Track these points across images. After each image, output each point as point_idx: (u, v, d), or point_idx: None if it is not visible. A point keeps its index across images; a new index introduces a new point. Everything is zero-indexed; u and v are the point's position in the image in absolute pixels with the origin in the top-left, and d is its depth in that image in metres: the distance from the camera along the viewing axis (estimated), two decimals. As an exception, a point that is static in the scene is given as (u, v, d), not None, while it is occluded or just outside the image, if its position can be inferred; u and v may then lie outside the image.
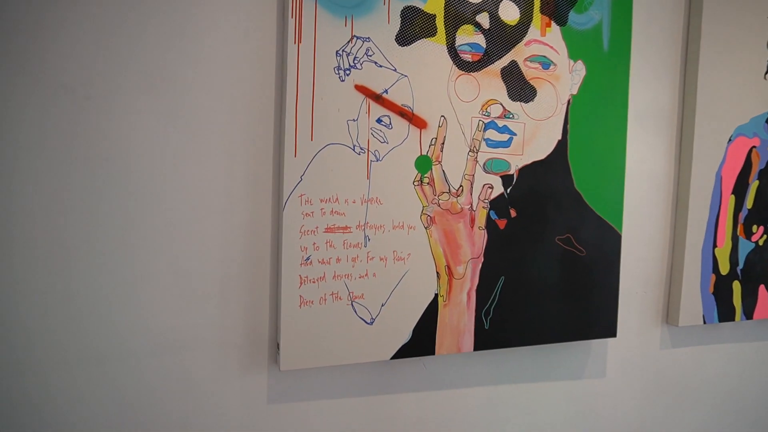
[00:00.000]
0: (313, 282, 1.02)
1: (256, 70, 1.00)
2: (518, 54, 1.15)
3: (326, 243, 1.03)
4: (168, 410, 0.98)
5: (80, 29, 0.88)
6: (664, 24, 1.35)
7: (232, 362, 1.02)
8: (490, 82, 1.13)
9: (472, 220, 1.14)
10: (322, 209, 1.02)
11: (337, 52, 1.01)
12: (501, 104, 1.14)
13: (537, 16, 1.16)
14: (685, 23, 1.37)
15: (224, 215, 0.99)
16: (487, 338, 1.17)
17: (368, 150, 1.04)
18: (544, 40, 1.17)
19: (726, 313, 1.44)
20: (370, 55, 1.03)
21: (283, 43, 1.00)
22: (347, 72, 1.02)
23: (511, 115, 1.15)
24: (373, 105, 1.04)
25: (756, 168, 1.44)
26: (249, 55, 0.99)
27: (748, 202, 1.44)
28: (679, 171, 1.40)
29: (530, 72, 1.16)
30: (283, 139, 1.00)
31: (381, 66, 1.04)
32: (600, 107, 1.24)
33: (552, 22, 1.17)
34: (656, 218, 1.39)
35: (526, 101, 1.16)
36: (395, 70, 1.05)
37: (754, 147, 1.43)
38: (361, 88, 1.03)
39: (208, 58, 0.97)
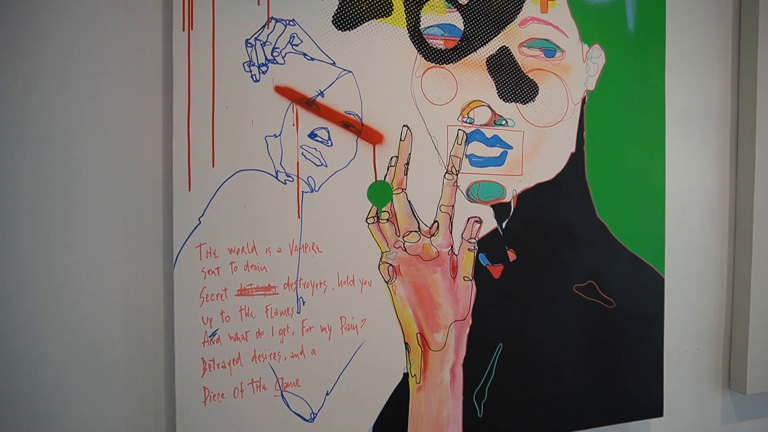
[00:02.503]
0: (223, 367, 0.72)
1: (131, 72, 0.71)
2: (510, 37, 0.84)
3: (240, 310, 0.72)
4: None
5: None
6: (709, -5, 1.03)
7: (111, 484, 0.72)
8: (473, 77, 0.82)
9: (454, 268, 0.82)
10: (232, 263, 0.72)
11: (247, 41, 0.71)
12: (489, 107, 0.83)
13: (535, -13, 0.85)
14: (736, -7, 1.05)
15: (91, 280, 0.70)
16: (481, 430, 0.84)
17: (298, 177, 0.74)
18: (546, 19, 0.86)
19: (808, 374, 1.09)
20: (297, 45, 0.73)
21: (169, 31, 0.72)
22: (263, 68, 0.72)
23: (503, 122, 0.84)
24: (304, 114, 0.74)
25: (840, 181, 1.09)
26: (121, 49, 0.70)
27: (832, 226, 1.09)
28: (736, 189, 1.06)
29: (528, 62, 0.85)
30: (171, 168, 0.70)
31: (313, 59, 0.74)
32: (627, 107, 0.92)
33: (556, -7, 0.86)
34: (709, 253, 1.05)
35: (525, 101, 0.85)
36: (334, 64, 0.75)
37: (836, 153, 1.08)
38: (284, 91, 0.73)
39: (60, 56, 0.68)
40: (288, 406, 0.75)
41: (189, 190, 0.70)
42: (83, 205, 0.69)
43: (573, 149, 0.88)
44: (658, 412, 0.96)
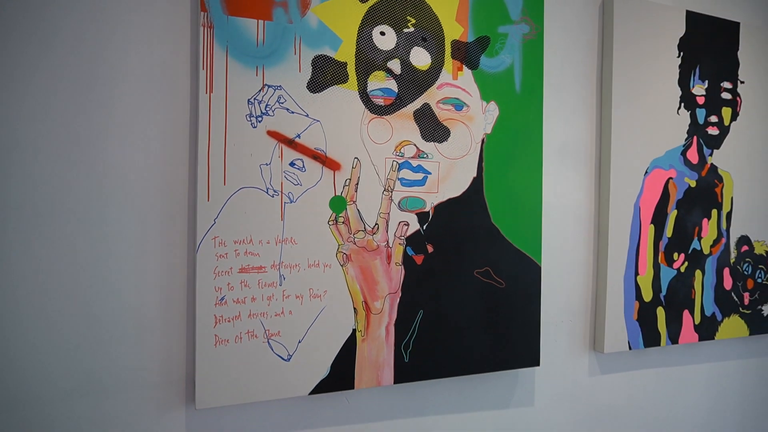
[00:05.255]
0: (228, 321, 1.05)
1: (170, 120, 1.04)
2: (430, 97, 1.20)
3: (241, 283, 1.06)
4: (82, 452, 1.00)
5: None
6: (578, 66, 1.42)
7: (149, 403, 1.04)
8: (403, 125, 1.18)
9: (389, 257, 1.18)
10: (236, 250, 1.05)
11: (248, 100, 1.05)
12: (415, 145, 1.19)
13: (449, 61, 1.22)
14: (598, 64, 1.45)
15: (139, 259, 1.03)
16: (407, 371, 1.20)
17: (281, 192, 1.08)
18: (456, 83, 1.23)
19: (651, 339, 1.49)
20: (282, 102, 1.08)
21: (196, 93, 1.05)
22: (259, 119, 1.06)
23: (425, 155, 1.20)
24: (286, 149, 1.08)
25: (674, 198, 1.50)
26: (163, 104, 1.04)
27: (668, 231, 1.50)
28: (599, 204, 1.46)
29: (443, 113, 1.22)
30: (196, 184, 1.03)
31: (293, 112, 1.09)
32: (515, 145, 1.29)
33: (464, 66, 1.23)
34: (579, 250, 1.44)
35: (440, 141, 1.22)
36: (307, 115, 1.10)
37: (670, 178, 1.50)
38: (273, 134, 1.07)
39: (123, 107, 1.01)
40: (272, 349, 1.09)
41: (208, 200, 1.03)
42: (135, 210, 1.02)
43: (475, 174, 1.25)
44: (536, 362, 1.33)
